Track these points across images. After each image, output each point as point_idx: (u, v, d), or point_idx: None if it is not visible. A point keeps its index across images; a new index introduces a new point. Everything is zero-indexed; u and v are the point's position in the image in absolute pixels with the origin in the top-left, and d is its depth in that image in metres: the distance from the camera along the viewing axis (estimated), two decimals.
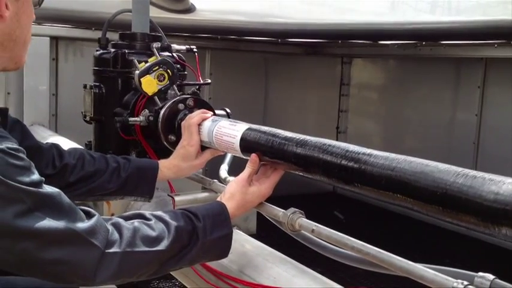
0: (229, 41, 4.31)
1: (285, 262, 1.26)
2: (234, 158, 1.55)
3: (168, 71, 1.57)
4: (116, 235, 1.00)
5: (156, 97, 1.55)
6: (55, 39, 3.71)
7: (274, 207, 1.27)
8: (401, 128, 4.83)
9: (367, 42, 4.46)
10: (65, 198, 0.97)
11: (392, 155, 0.97)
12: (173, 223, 1.07)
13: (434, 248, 3.77)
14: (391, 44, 4.27)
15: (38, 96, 3.49)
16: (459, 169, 0.85)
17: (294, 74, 4.92)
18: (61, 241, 0.93)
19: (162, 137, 1.55)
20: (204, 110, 1.50)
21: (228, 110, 1.64)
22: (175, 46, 1.76)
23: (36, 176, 0.93)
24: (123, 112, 1.68)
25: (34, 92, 3.47)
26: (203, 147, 1.49)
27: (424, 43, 4.02)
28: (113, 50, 1.74)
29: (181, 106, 1.54)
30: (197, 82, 1.71)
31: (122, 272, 1.00)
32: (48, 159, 1.37)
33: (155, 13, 2.43)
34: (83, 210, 0.99)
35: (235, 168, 1.50)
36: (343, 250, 1.16)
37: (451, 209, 0.83)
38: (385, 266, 1.01)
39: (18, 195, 0.89)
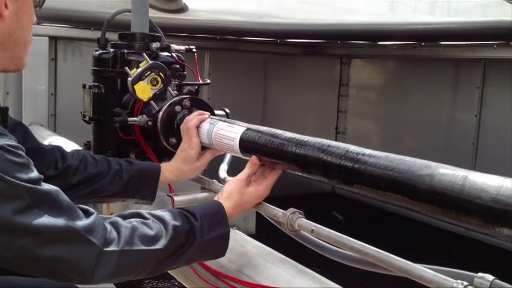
0: (228, 41, 4.31)
1: (284, 262, 1.26)
2: (234, 158, 1.55)
3: (161, 74, 1.55)
4: (114, 233, 1.00)
5: (152, 101, 1.55)
6: (54, 39, 3.71)
7: (274, 207, 1.27)
8: (400, 128, 4.83)
9: (366, 42, 4.46)
10: (63, 196, 0.97)
11: (392, 156, 0.97)
12: (171, 222, 1.08)
13: (432, 249, 3.77)
14: (390, 44, 4.28)
15: (36, 96, 3.48)
16: (459, 170, 0.85)
17: (293, 74, 4.92)
18: (59, 238, 0.93)
19: (163, 140, 1.56)
20: (201, 112, 1.50)
21: (227, 110, 1.64)
22: (174, 46, 1.76)
23: (35, 174, 0.94)
24: (122, 112, 1.68)
25: (33, 92, 3.47)
26: (203, 148, 1.49)
27: (423, 44, 4.02)
28: (112, 50, 1.73)
29: (178, 108, 1.54)
30: (196, 82, 1.71)
31: (120, 271, 1.00)
32: (50, 160, 1.37)
33: None
34: (81, 209, 0.99)
35: (235, 168, 1.50)
36: (342, 250, 1.16)
37: (452, 210, 0.83)
38: (384, 266, 1.01)
39: (17, 192, 0.90)
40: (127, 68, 1.58)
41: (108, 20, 1.83)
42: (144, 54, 1.58)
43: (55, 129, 3.69)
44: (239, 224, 1.49)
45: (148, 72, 1.53)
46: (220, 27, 4.06)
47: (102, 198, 1.45)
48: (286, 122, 4.54)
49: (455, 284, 0.87)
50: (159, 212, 1.11)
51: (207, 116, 1.48)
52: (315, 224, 1.16)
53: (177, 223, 1.08)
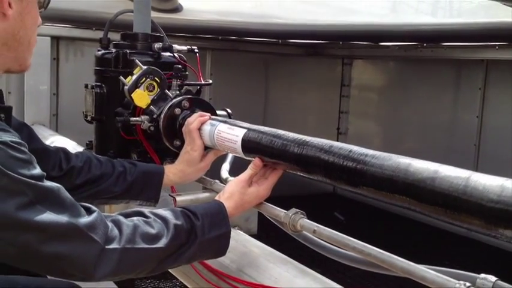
0: (229, 42, 4.31)
1: (286, 262, 1.26)
2: (236, 159, 1.55)
3: (156, 79, 1.54)
4: (116, 231, 1.00)
5: (151, 106, 1.55)
6: (56, 39, 3.72)
7: (276, 207, 1.27)
8: (402, 129, 4.83)
9: (368, 43, 4.47)
10: (66, 193, 0.98)
11: (394, 157, 0.97)
12: (172, 221, 1.08)
13: (433, 249, 3.77)
14: (392, 45, 4.28)
15: (38, 95, 3.49)
16: (462, 170, 0.85)
17: (295, 74, 4.92)
18: (62, 235, 0.93)
19: (168, 143, 1.56)
20: (202, 113, 1.50)
21: (229, 111, 1.64)
22: (176, 46, 1.75)
23: (38, 170, 0.94)
24: (124, 112, 1.68)
25: (35, 91, 3.48)
26: (206, 148, 1.49)
27: (425, 45, 4.03)
28: (114, 50, 1.73)
29: (177, 111, 1.54)
30: (198, 82, 1.71)
31: (121, 268, 1.00)
32: (54, 161, 1.38)
33: None
34: (83, 206, 0.99)
35: (237, 168, 1.50)
36: (344, 251, 1.16)
37: (454, 211, 0.83)
38: (386, 267, 1.01)
39: (20, 188, 0.90)
40: (122, 77, 1.57)
41: (110, 20, 1.83)
42: (137, 60, 1.57)
43: (57, 129, 3.69)
44: (241, 224, 1.49)
45: (143, 78, 1.52)
46: (216, 27, 4.05)
47: (105, 199, 1.46)
48: (287, 123, 4.54)
49: (457, 285, 0.87)
50: (160, 211, 1.12)
51: (208, 117, 1.48)
52: (317, 224, 1.16)
53: (178, 222, 1.09)
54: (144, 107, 1.54)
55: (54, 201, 0.94)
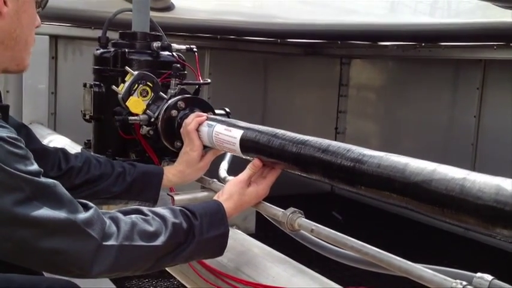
0: (228, 41, 4.31)
1: (284, 261, 1.26)
2: (234, 158, 1.55)
3: (148, 83, 1.53)
4: (114, 228, 1.00)
5: (148, 111, 1.55)
6: (54, 38, 3.72)
7: (274, 207, 1.27)
8: (400, 129, 4.84)
9: (367, 43, 4.47)
10: (63, 189, 0.98)
11: (392, 156, 0.97)
12: (170, 220, 1.09)
13: (431, 248, 3.77)
14: (390, 45, 4.28)
15: (37, 94, 3.49)
16: (460, 170, 0.86)
17: (293, 74, 4.93)
18: (59, 231, 0.93)
19: (169, 145, 1.56)
20: (198, 113, 1.50)
21: (228, 110, 1.64)
22: (175, 46, 1.75)
23: (35, 167, 0.94)
24: (123, 111, 1.68)
25: (33, 90, 3.47)
26: (205, 147, 1.49)
27: (423, 44, 4.03)
28: (113, 49, 1.73)
29: (174, 112, 1.54)
30: (197, 82, 1.71)
31: (118, 265, 1.00)
32: (53, 161, 1.39)
33: None
34: (81, 203, 0.99)
35: (235, 167, 1.50)
36: (342, 250, 1.16)
37: (451, 210, 0.83)
38: (384, 266, 1.01)
39: (17, 183, 0.90)
40: (114, 86, 1.57)
41: (109, 19, 1.83)
42: (127, 67, 1.56)
43: (55, 128, 3.69)
44: (239, 223, 1.49)
45: (136, 85, 1.52)
46: (208, 26, 4.03)
47: (104, 199, 1.46)
48: (286, 122, 4.55)
49: (454, 284, 0.87)
50: (159, 209, 1.12)
51: (205, 117, 1.48)
52: (314, 223, 1.16)
53: (176, 221, 1.09)
54: (141, 113, 1.54)
55: (51, 197, 0.94)
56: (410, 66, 4.74)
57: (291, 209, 1.21)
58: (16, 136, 0.94)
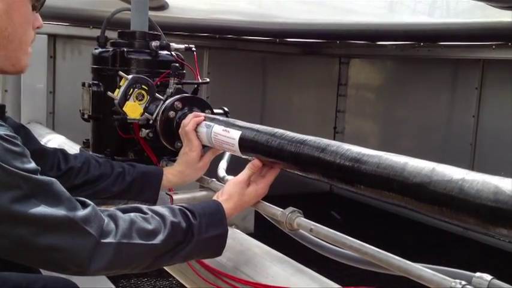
0: (227, 41, 4.31)
1: (283, 261, 1.26)
2: (233, 157, 1.55)
3: (144, 87, 1.52)
4: (112, 226, 1.00)
5: (146, 114, 1.54)
6: (53, 37, 3.71)
7: (273, 206, 1.27)
8: (398, 128, 4.84)
9: (365, 42, 4.47)
10: (60, 186, 0.98)
11: (391, 156, 0.97)
12: (169, 219, 1.08)
13: (430, 248, 3.78)
14: (389, 44, 4.28)
15: (35, 94, 3.49)
16: (458, 170, 0.86)
17: (292, 73, 4.93)
18: (57, 228, 0.93)
19: (169, 146, 1.56)
20: (196, 113, 1.50)
21: (226, 109, 1.64)
22: (173, 45, 1.75)
23: (32, 165, 0.94)
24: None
25: (31, 89, 3.47)
26: (204, 146, 1.49)
27: (422, 44, 4.03)
28: (111, 48, 1.73)
29: (172, 114, 1.54)
30: (196, 81, 1.71)
31: (116, 263, 1.00)
32: (53, 162, 1.38)
33: None
34: (78, 200, 0.99)
35: (234, 167, 1.50)
36: (341, 249, 1.16)
37: (450, 210, 0.83)
38: (383, 266, 1.01)
39: (15, 181, 0.90)
40: (109, 92, 1.56)
41: (107, 18, 1.83)
42: (120, 72, 1.55)
43: (53, 127, 3.69)
44: (238, 222, 1.49)
45: (131, 90, 1.51)
46: (202, 25, 4.02)
47: (104, 199, 1.45)
48: (284, 122, 4.55)
49: (453, 284, 0.87)
50: (158, 208, 1.12)
51: (203, 117, 1.48)
52: (314, 223, 1.16)
53: (175, 220, 1.09)
54: (139, 117, 1.54)
55: (49, 195, 0.94)
56: (409, 66, 4.75)
57: (290, 209, 1.21)
58: (13, 134, 0.94)
